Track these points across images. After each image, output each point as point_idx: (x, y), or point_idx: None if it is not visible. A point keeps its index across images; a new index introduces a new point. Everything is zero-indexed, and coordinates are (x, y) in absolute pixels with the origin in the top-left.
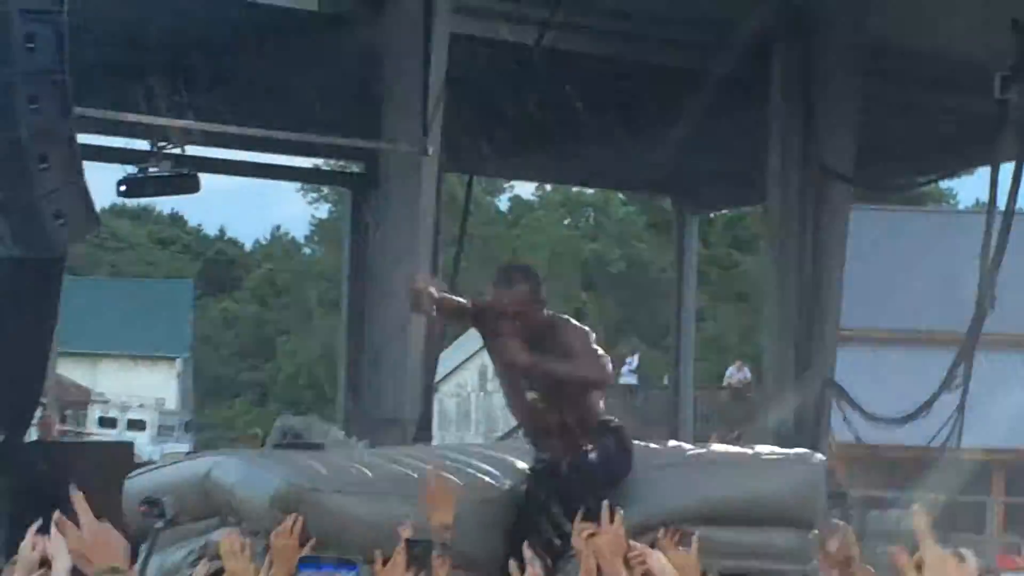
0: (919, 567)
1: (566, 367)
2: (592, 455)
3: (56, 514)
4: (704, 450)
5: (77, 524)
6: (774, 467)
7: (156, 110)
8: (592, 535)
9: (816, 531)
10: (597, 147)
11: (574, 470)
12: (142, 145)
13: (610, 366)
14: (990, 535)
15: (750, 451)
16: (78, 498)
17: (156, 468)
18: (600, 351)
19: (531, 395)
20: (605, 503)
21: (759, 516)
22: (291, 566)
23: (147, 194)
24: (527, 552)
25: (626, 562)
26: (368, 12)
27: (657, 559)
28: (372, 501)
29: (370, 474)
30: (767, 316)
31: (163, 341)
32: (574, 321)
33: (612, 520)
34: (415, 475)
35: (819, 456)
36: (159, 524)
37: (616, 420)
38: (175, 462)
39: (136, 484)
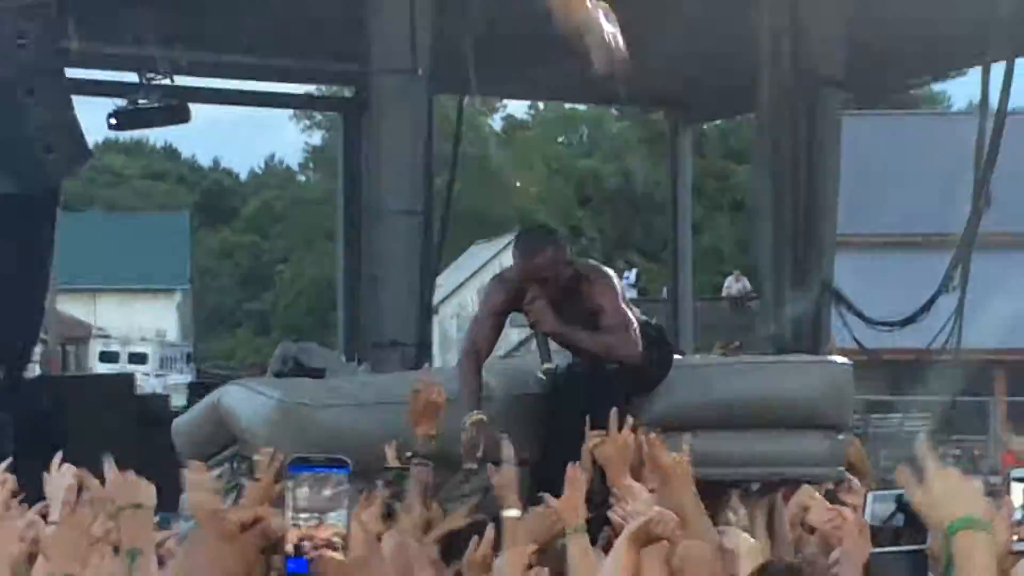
0: (927, 491)
1: (594, 343)
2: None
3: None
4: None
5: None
6: (803, 370)
7: (144, 41)
8: (599, 444)
9: (845, 435)
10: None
11: (606, 374)
12: (131, 78)
13: (639, 341)
14: (993, 435)
15: (779, 357)
16: (110, 464)
17: (196, 406)
18: (628, 310)
19: (547, 366)
20: (613, 411)
21: (789, 418)
22: (264, 502)
23: (137, 126)
24: (505, 450)
25: (635, 472)
26: None
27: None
28: (360, 413)
29: (358, 388)
30: (763, 225)
31: (162, 274)
32: (603, 271)
33: (621, 428)
34: (403, 386)
35: (846, 360)
36: (246, 480)
37: (656, 329)
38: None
39: (180, 423)
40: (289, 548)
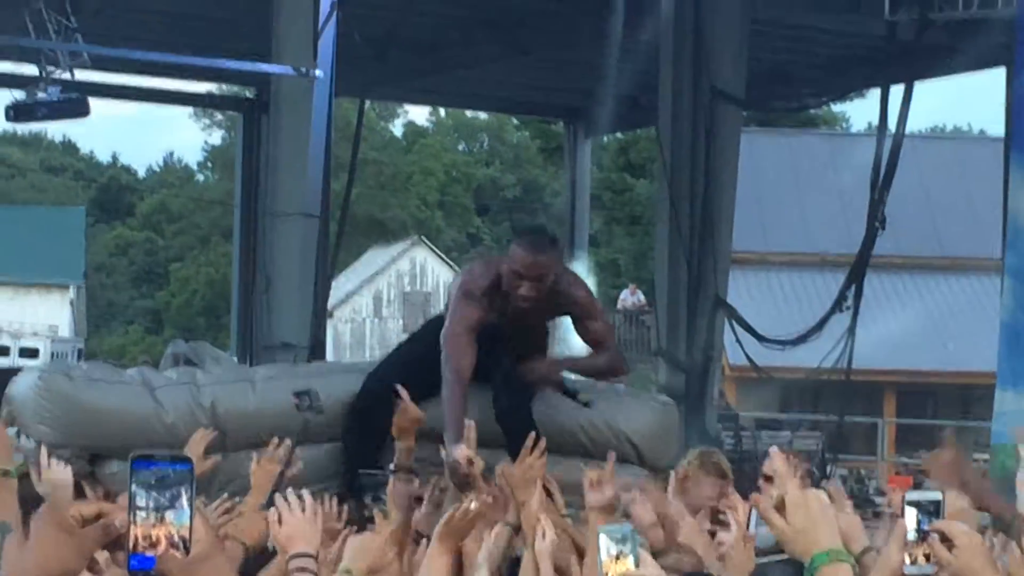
0: (780, 508)
1: (598, 368)
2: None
3: None
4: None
5: None
6: (626, 405)
7: (44, 34)
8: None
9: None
10: (491, 70)
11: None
12: (30, 70)
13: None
14: (881, 456)
15: (610, 385)
16: None
17: None
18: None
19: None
20: (531, 435)
21: (606, 448)
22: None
23: (35, 119)
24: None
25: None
26: None
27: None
28: (122, 391)
29: (128, 370)
30: (659, 239)
31: (56, 269)
32: (576, 274)
33: (532, 451)
34: (172, 373)
35: (673, 403)
36: (310, 414)
37: None
38: None
39: None
40: (130, 545)
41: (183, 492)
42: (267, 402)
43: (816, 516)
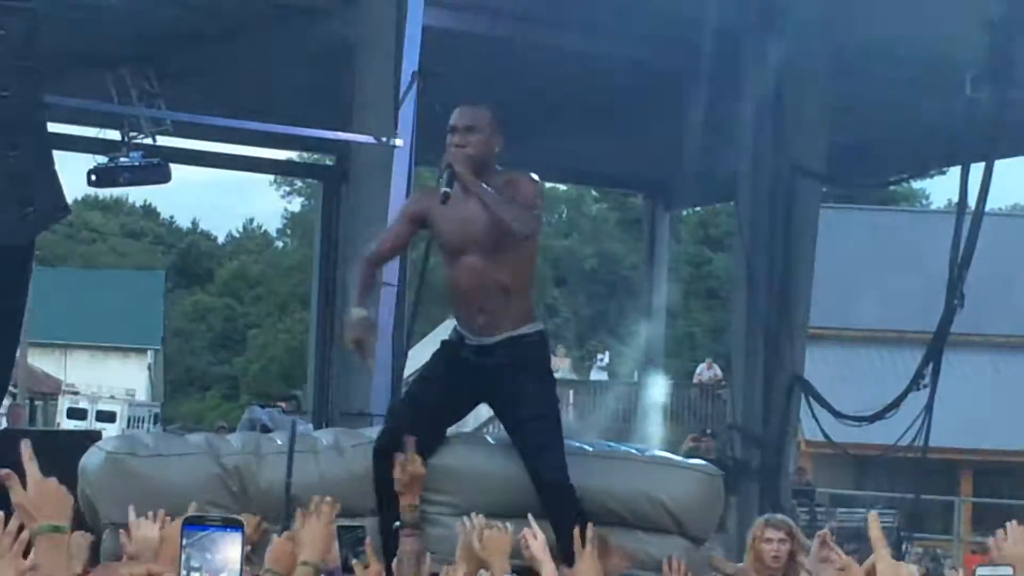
0: (870, 574)
1: (498, 205)
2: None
3: (3, 471)
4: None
5: (24, 480)
6: (666, 472)
7: (127, 100)
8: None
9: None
10: (571, 142)
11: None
12: (113, 135)
13: (537, 227)
14: (957, 535)
15: (652, 453)
16: (26, 449)
17: None
18: (540, 212)
19: (444, 189)
20: (588, 528)
21: (642, 519)
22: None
23: (117, 183)
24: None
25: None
26: (340, 3)
27: None
28: (186, 462)
29: (191, 438)
30: (737, 313)
31: (134, 333)
32: (532, 176)
33: (584, 543)
34: (237, 441)
35: (719, 472)
36: (295, 417)
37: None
38: None
39: None
40: None
41: (235, 555)
42: (330, 471)
43: None
